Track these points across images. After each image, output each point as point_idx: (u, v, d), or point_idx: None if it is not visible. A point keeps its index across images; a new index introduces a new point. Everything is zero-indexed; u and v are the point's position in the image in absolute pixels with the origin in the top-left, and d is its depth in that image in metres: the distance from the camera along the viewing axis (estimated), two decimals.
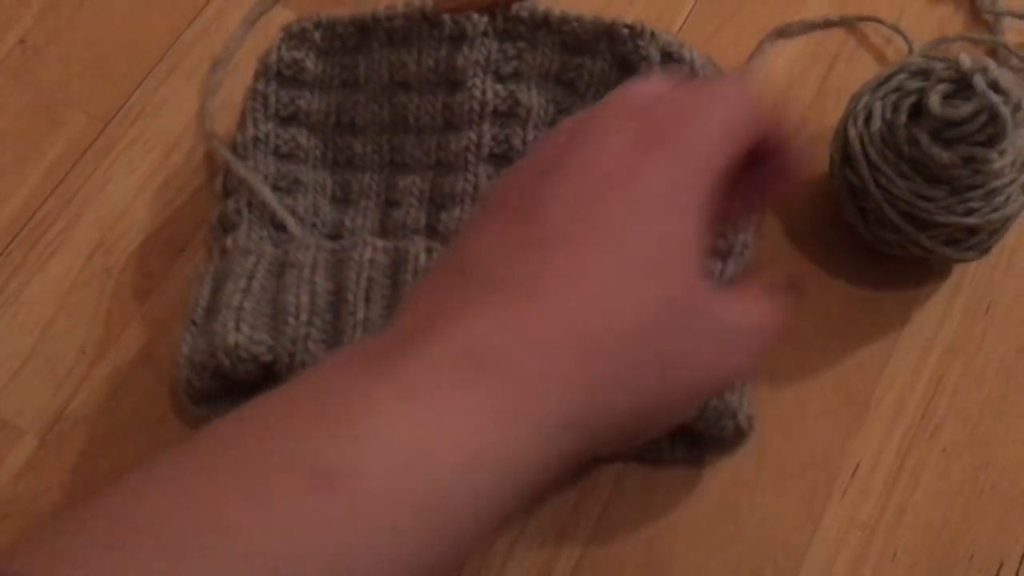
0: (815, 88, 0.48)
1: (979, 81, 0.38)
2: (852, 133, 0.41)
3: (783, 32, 0.49)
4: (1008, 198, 0.39)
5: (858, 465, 0.41)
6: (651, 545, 0.40)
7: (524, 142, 0.42)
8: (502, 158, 0.42)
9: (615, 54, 0.42)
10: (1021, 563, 0.39)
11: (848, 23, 0.50)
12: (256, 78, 0.43)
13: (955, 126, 0.38)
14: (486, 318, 0.25)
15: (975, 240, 0.40)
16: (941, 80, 0.39)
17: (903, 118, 0.39)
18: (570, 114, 0.42)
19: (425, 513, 0.23)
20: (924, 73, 0.41)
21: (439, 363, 0.24)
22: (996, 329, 0.43)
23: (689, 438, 0.40)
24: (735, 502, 0.40)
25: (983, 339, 0.43)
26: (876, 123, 0.40)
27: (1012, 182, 0.39)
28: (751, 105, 0.28)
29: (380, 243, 0.40)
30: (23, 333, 0.43)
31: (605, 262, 0.26)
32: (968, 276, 0.44)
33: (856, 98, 0.42)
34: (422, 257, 0.39)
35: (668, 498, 0.40)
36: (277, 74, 0.43)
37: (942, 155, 0.38)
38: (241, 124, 0.44)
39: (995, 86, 0.38)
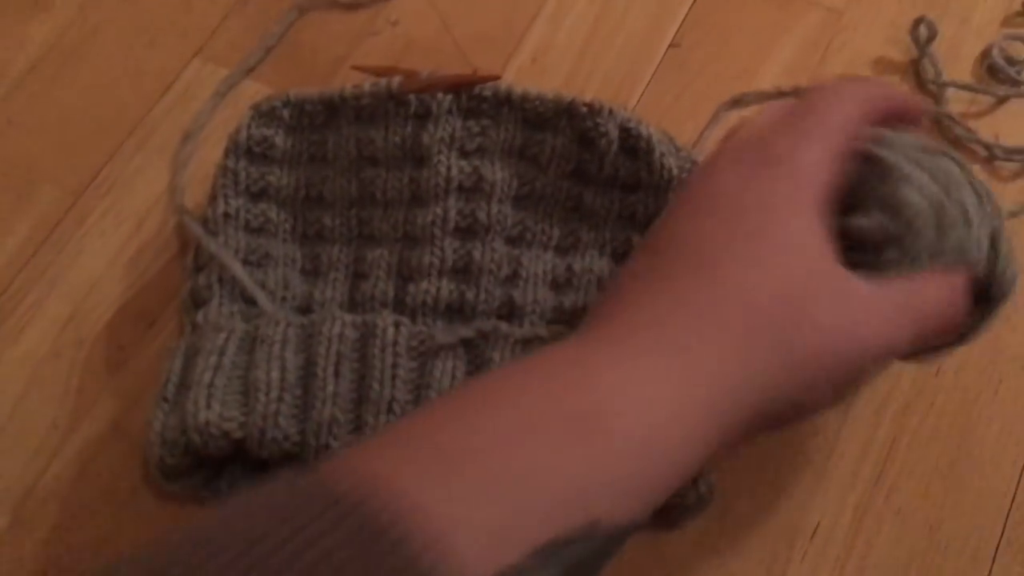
0: None
1: None
2: None
3: (738, 101, 0.51)
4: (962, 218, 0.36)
5: (817, 527, 0.42)
6: None
7: (489, 216, 0.43)
8: (467, 231, 0.43)
9: (575, 130, 0.43)
10: None
11: (800, 94, 0.52)
12: (226, 155, 0.45)
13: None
14: (668, 312, 0.32)
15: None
16: None
17: None
18: (533, 188, 0.44)
19: (649, 449, 0.30)
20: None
21: (647, 347, 0.31)
22: (945, 392, 0.44)
23: None
24: (699, 566, 0.41)
25: (933, 402, 0.44)
26: None
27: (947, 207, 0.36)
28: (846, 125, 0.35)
29: (348, 317, 0.41)
30: None
31: (742, 255, 0.32)
32: None
33: None
34: (390, 331, 0.40)
35: (633, 562, 0.41)
36: (247, 151, 0.44)
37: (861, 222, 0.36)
38: (212, 199, 0.45)
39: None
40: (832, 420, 0.44)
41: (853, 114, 0.36)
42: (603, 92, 0.51)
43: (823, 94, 0.36)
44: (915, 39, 0.52)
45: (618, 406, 0.29)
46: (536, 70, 0.52)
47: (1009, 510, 0.42)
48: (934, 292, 0.34)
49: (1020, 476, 0.43)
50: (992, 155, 0.50)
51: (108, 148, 0.50)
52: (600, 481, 0.29)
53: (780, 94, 0.52)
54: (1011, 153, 0.50)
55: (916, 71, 0.52)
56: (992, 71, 0.52)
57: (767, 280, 0.32)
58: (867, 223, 0.35)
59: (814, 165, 0.34)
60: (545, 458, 0.28)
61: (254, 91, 0.51)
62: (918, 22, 0.52)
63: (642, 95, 0.52)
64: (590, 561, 0.28)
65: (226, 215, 0.44)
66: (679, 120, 0.51)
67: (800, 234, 0.33)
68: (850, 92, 0.36)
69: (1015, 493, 0.42)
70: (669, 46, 0.53)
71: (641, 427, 0.29)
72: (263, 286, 0.43)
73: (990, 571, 0.41)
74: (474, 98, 0.43)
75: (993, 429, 0.44)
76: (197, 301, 0.43)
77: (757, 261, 0.32)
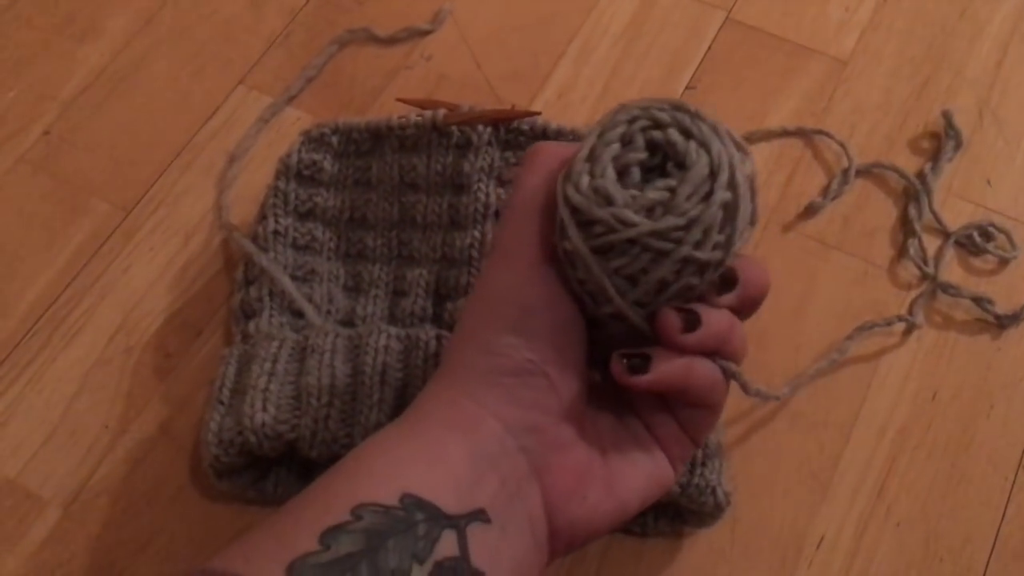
0: (778, 193, 0.53)
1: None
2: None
3: (747, 139, 0.55)
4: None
5: (822, 539, 0.45)
6: None
7: None
8: None
9: None
10: None
11: (805, 134, 0.55)
12: (277, 177, 0.48)
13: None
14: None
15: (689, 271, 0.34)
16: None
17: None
18: None
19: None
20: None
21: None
22: (941, 415, 0.48)
23: (671, 512, 0.44)
24: (712, 571, 0.44)
25: (930, 425, 0.47)
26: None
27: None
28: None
29: (393, 330, 0.44)
30: (48, 408, 0.46)
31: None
32: (916, 367, 0.49)
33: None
34: (432, 344, 0.43)
35: (651, 567, 0.44)
36: (297, 173, 0.48)
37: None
38: (262, 218, 0.48)
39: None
40: (836, 440, 0.47)
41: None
42: None
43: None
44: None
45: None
46: (561, 106, 0.56)
47: (1000, 523, 0.45)
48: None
49: (1011, 491, 0.46)
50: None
51: (157, 168, 0.53)
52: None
53: (786, 133, 0.55)
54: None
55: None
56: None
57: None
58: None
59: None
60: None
61: (295, 118, 0.54)
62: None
63: None
64: None
65: (276, 233, 0.47)
66: None
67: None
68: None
69: (1005, 508, 0.46)
70: (686, 88, 0.56)
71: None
72: (309, 299, 0.46)
73: None
74: (512, 131, 0.47)
75: (985, 448, 0.47)
76: (247, 312, 0.46)
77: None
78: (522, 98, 0.56)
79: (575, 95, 0.56)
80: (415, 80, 0.56)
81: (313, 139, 0.48)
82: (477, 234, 0.46)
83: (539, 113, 0.47)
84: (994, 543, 0.45)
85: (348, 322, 0.46)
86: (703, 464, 0.42)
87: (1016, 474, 0.46)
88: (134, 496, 0.45)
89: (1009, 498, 0.46)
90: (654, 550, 0.44)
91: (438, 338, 0.43)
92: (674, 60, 0.57)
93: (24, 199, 0.52)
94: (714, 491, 0.42)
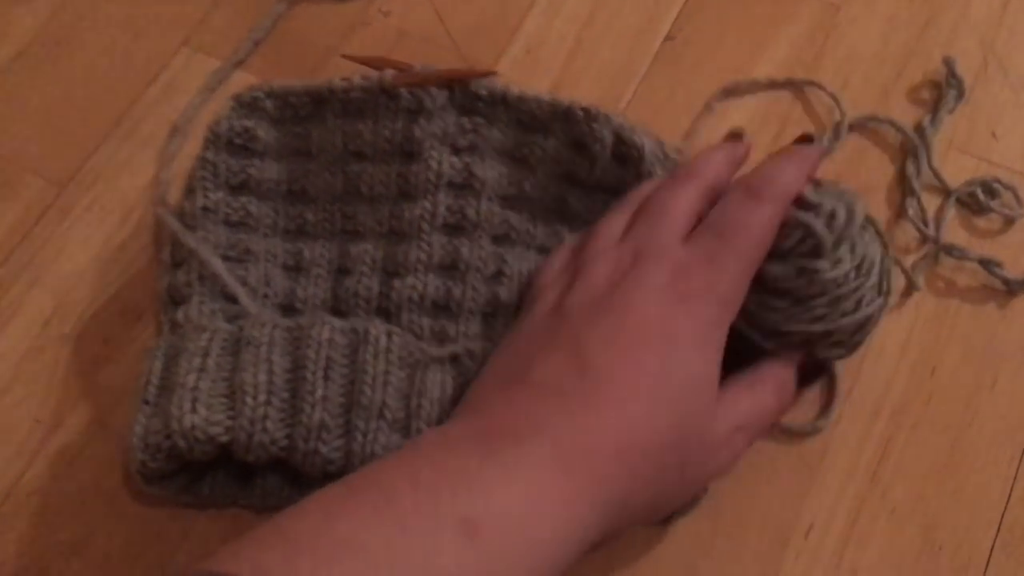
0: (765, 151, 0.49)
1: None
2: None
3: (730, 92, 0.51)
4: (860, 302, 0.38)
5: (811, 527, 0.42)
6: None
7: (478, 213, 0.42)
8: (456, 228, 0.43)
9: (568, 134, 0.43)
10: None
11: (794, 86, 0.51)
12: (205, 146, 0.43)
13: (780, 240, 0.38)
14: (563, 431, 0.34)
15: (834, 340, 0.39)
16: None
17: None
18: (521, 188, 0.43)
19: (532, 552, 0.32)
20: None
21: (534, 460, 0.33)
22: (941, 390, 0.44)
23: None
24: (694, 563, 0.41)
25: (928, 401, 0.44)
26: None
27: (859, 287, 0.38)
28: (765, 239, 0.38)
29: (338, 323, 0.40)
30: None
31: (645, 392, 0.35)
32: (914, 338, 0.45)
33: None
34: (383, 340, 0.39)
35: (630, 561, 0.41)
36: (228, 142, 0.43)
37: (774, 269, 0.38)
38: (189, 193, 0.44)
39: (804, 204, 0.38)
40: (826, 419, 0.43)
41: (772, 223, 0.38)
42: (597, 85, 0.51)
43: (739, 209, 0.38)
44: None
45: (498, 521, 0.31)
46: (530, 62, 0.52)
47: (1004, 509, 0.42)
48: (774, 405, 0.39)
49: (1016, 474, 0.42)
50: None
51: (94, 139, 0.49)
52: None
53: (773, 85, 0.51)
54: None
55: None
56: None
57: (660, 421, 0.35)
58: (780, 272, 0.38)
59: (731, 297, 0.37)
60: (419, 558, 0.30)
61: (244, 83, 0.50)
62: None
63: (637, 89, 0.51)
64: None
65: (205, 209, 0.43)
66: (674, 114, 0.50)
67: (699, 377, 0.36)
68: (769, 198, 0.38)
69: (1011, 491, 0.42)
70: (664, 39, 0.52)
71: (519, 541, 0.31)
72: (244, 283, 0.42)
73: (984, 573, 0.41)
74: (469, 95, 0.43)
75: (988, 428, 0.43)
76: (176, 299, 0.42)
77: (655, 400, 0.35)
78: (488, 54, 0.51)
79: (545, 50, 0.52)
80: (372, 38, 0.52)
81: (245, 104, 0.43)
82: (428, 205, 0.42)
83: (495, 73, 0.43)
84: (998, 530, 0.41)
85: (288, 306, 0.43)
86: None
87: (1022, 455, 0.43)
88: (68, 495, 0.41)
89: (1014, 481, 0.42)
90: (631, 545, 0.41)
91: (389, 334, 0.40)
92: (654, 8, 0.53)
93: None
94: None
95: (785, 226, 0.38)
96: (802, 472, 0.43)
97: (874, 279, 0.39)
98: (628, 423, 0.34)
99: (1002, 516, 0.42)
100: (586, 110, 0.42)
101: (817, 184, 0.40)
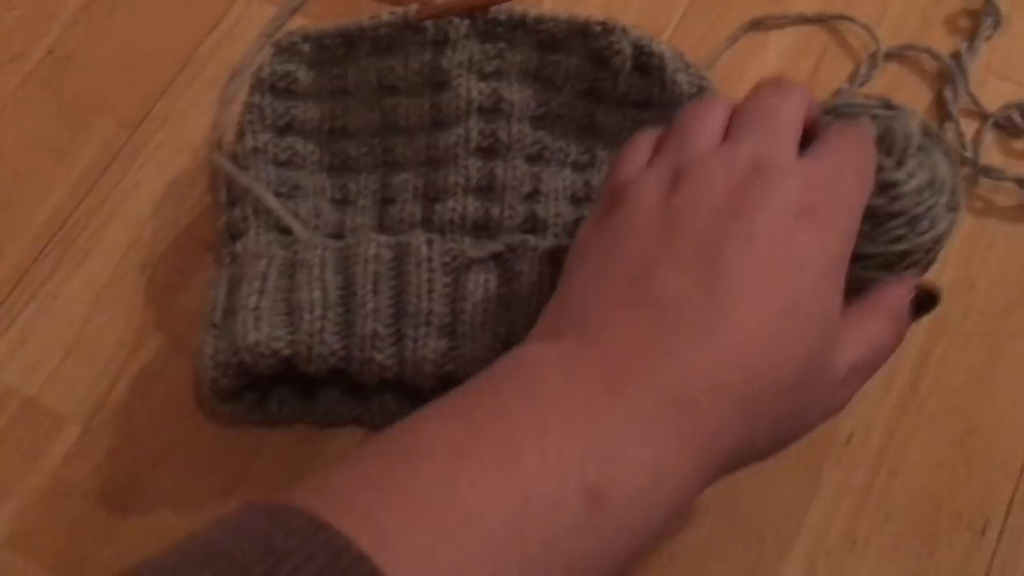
0: (805, 83, 0.51)
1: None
2: None
3: (758, 24, 0.52)
4: (933, 220, 0.39)
5: (851, 435, 0.43)
6: None
7: (509, 135, 0.44)
8: (489, 151, 0.45)
9: (588, 50, 0.45)
10: (1004, 522, 0.42)
11: (824, 20, 0.52)
12: (251, 92, 0.46)
13: None
14: (686, 368, 0.30)
15: (910, 261, 0.40)
16: (840, 116, 0.40)
17: None
18: (549, 107, 0.45)
19: (639, 530, 0.29)
20: (831, 112, 0.41)
21: (661, 401, 0.30)
22: (979, 305, 0.46)
23: None
24: (737, 478, 0.43)
25: (967, 315, 0.45)
26: None
27: (933, 206, 0.39)
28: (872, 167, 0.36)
29: (383, 238, 0.43)
30: (64, 327, 0.46)
31: (771, 322, 0.31)
32: (952, 256, 0.46)
33: None
34: (423, 249, 0.42)
35: None
36: (271, 87, 0.46)
37: None
38: (240, 136, 0.46)
39: (888, 106, 0.40)
40: None
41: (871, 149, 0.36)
42: (639, 21, 0.52)
43: (853, 134, 0.36)
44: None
45: (625, 489, 0.29)
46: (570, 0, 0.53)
47: None
48: (891, 340, 0.36)
49: None
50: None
51: (161, 83, 0.52)
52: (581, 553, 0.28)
53: (803, 20, 0.52)
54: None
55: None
56: None
57: (784, 353, 0.31)
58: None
59: (854, 225, 0.34)
60: (538, 541, 0.27)
61: (301, 28, 0.53)
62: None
63: (677, 24, 0.53)
64: None
65: (255, 149, 0.46)
66: (715, 49, 0.51)
67: (826, 308, 0.33)
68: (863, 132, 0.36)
69: None
70: None
71: (640, 510, 0.29)
72: (296, 216, 0.45)
73: (1019, 478, 0.42)
74: (489, 22, 0.45)
75: (1023, 340, 0.45)
76: (233, 233, 0.45)
77: (782, 328, 0.31)
78: None
79: None
80: None
81: (284, 49, 0.46)
82: (461, 131, 0.44)
83: None
84: None
85: (337, 235, 0.45)
86: None
87: None
88: (150, 411, 0.44)
89: None
90: None
91: (429, 242, 0.42)
92: None
93: (31, 119, 0.51)
94: None
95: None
96: None
97: (946, 196, 0.40)
98: (751, 358, 0.31)
99: None
100: (603, 24, 0.44)
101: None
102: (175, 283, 0.47)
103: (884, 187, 0.39)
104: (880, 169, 0.39)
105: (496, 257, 0.42)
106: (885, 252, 0.40)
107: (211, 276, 0.46)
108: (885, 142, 0.40)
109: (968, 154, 0.48)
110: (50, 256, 0.48)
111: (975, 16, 0.52)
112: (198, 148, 0.50)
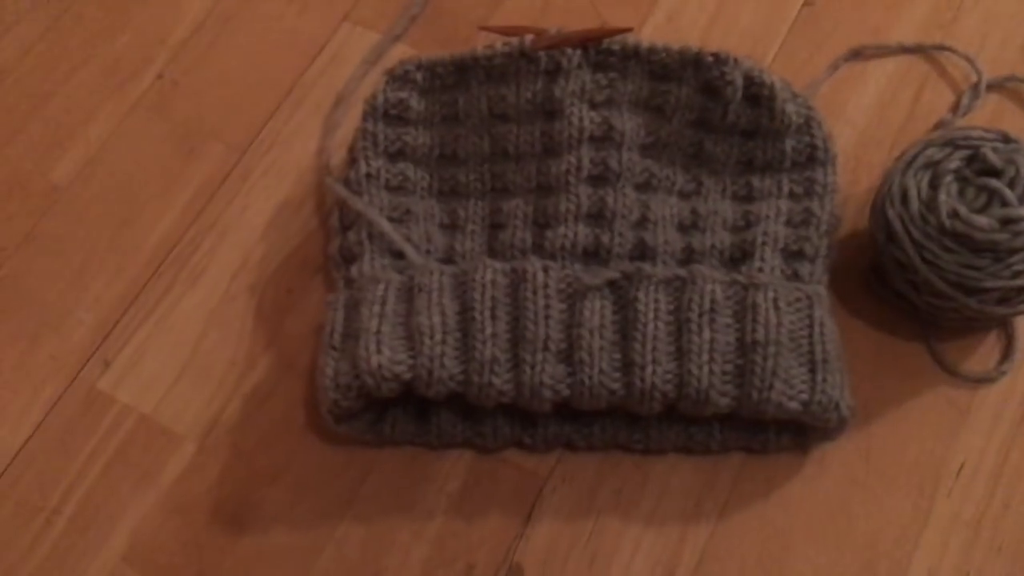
0: (906, 112, 0.51)
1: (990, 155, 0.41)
2: (891, 214, 0.43)
3: (857, 53, 0.52)
4: None
5: (962, 465, 0.43)
6: (769, 541, 0.42)
7: (619, 163, 0.45)
8: (599, 179, 0.45)
9: (700, 80, 0.45)
10: None
11: (924, 50, 0.52)
12: (364, 118, 0.47)
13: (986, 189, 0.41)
14: None
15: None
16: (959, 148, 0.42)
17: (943, 195, 0.42)
18: (658, 136, 0.46)
19: None
20: (949, 144, 0.43)
21: None
22: None
23: (793, 429, 0.43)
24: (847, 499, 0.43)
25: None
26: (913, 203, 0.42)
27: None
28: None
29: (498, 264, 0.43)
30: (178, 346, 0.47)
31: None
32: None
33: (888, 178, 0.44)
34: (540, 275, 0.42)
35: (784, 495, 0.43)
36: (384, 114, 0.47)
37: (981, 220, 0.40)
38: (353, 161, 0.47)
39: (1007, 139, 0.41)
40: (976, 364, 0.45)
41: None
42: (737, 51, 0.52)
43: None
44: None
45: None
46: (671, 29, 0.54)
47: None
48: None
49: None
50: None
51: (267, 108, 0.53)
52: None
53: (903, 50, 0.52)
54: None
55: None
56: None
57: None
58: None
59: None
60: None
61: (402, 55, 0.54)
62: None
63: (776, 54, 0.53)
64: None
65: (368, 175, 0.47)
66: (813, 78, 0.52)
67: None
68: None
69: None
70: (803, 4, 0.54)
71: None
72: (408, 240, 0.46)
73: None
74: (602, 52, 0.45)
75: None
76: (347, 257, 0.46)
77: None
78: (631, 23, 0.54)
79: (686, 18, 0.54)
80: (519, 9, 0.55)
81: (397, 77, 0.47)
82: (573, 159, 0.45)
83: (630, 29, 0.45)
84: None
85: (447, 260, 0.46)
86: (824, 380, 0.41)
87: None
88: (263, 430, 0.45)
89: None
90: (786, 477, 0.44)
91: (545, 269, 0.43)
92: None
93: (143, 143, 0.52)
94: (837, 406, 0.41)
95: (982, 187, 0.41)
96: (951, 415, 0.44)
97: None
98: None
99: None
100: (715, 55, 0.44)
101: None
102: (284, 305, 0.48)
103: (1007, 222, 0.40)
104: (1003, 204, 0.40)
105: (611, 284, 0.43)
106: (1004, 287, 0.41)
107: (322, 298, 0.47)
108: (1006, 176, 0.40)
109: None
110: (163, 277, 0.49)
111: None
112: (303, 172, 0.51)
